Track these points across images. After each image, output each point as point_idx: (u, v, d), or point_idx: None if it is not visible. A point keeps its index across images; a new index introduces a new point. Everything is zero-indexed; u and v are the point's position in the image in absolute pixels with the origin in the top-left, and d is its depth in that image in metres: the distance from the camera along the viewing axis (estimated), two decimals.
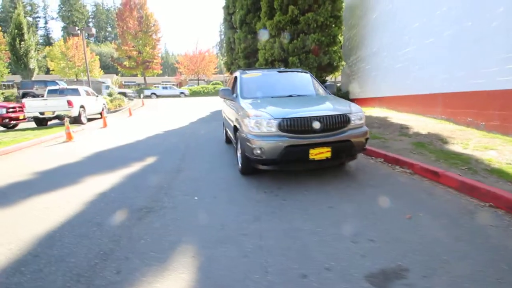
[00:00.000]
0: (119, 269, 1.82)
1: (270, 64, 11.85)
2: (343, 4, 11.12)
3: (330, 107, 3.43)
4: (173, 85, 41.16)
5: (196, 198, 3.08)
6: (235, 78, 5.12)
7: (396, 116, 7.44)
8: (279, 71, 5.00)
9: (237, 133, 3.85)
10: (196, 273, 1.75)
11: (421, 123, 6.18)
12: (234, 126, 4.01)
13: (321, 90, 4.48)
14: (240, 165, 3.86)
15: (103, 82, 26.74)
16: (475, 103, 5.21)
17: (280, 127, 3.14)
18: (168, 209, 2.79)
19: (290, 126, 3.14)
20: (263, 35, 12.17)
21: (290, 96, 4.11)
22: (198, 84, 43.44)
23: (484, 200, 2.54)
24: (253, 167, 3.61)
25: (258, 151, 3.16)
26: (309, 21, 10.65)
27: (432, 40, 6.65)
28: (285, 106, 3.51)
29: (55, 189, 3.52)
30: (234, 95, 4.34)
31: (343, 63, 11.69)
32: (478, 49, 5.09)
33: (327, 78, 12.42)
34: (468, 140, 4.62)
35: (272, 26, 11.36)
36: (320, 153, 3.15)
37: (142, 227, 2.42)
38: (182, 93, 31.92)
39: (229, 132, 5.14)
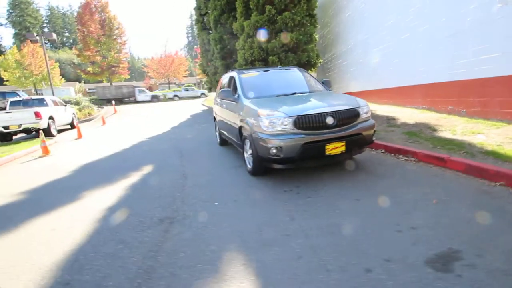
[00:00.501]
0: (170, 286, 1.69)
1: (250, 64, 11.83)
2: (317, 3, 11.43)
3: (339, 102, 3.49)
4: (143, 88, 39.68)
5: (216, 203, 2.97)
6: (231, 79, 5.04)
7: (380, 109, 7.80)
8: (276, 70, 5.00)
9: (245, 134, 3.78)
10: (256, 281, 1.68)
11: (406, 114, 6.54)
12: (240, 127, 3.94)
13: (320, 87, 4.55)
14: (249, 166, 3.80)
15: (137, 87, 27.86)
16: (454, 92, 5.63)
17: (296, 124, 3.14)
18: (192, 218, 2.65)
19: (305, 123, 3.15)
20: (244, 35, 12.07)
21: (294, 93, 4.12)
22: (169, 87, 42.20)
23: (494, 180, 2.75)
24: (265, 168, 3.58)
25: (275, 150, 3.13)
26: (287, 20, 10.80)
27: (407, 35, 7.06)
28: (295, 104, 3.51)
29: (56, 208, 3.20)
30: (236, 95, 4.25)
31: (321, 60, 12.01)
32: (454, 42, 5.50)
33: None
34: (454, 127, 4.97)
35: (250, 26, 11.35)
36: (335, 148, 3.20)
37: (173, 239, 2.27)
38: (202, 93, 33.02)
39: (226, 134, 5.03)
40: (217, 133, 6.45)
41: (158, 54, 44.63)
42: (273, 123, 3.17)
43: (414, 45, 6.77)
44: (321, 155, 3.19)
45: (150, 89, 44.31)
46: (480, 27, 4.90)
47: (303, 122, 3.15)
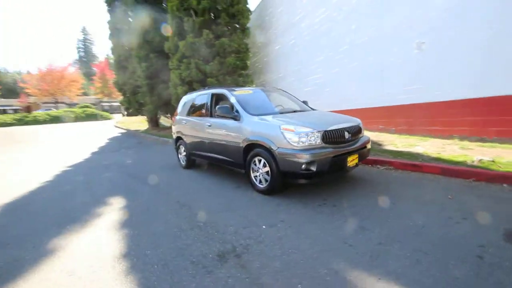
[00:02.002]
0: None
1: (187, 84, 11.41)
2: (250, 33, 12.34)
3: (346, 119, 3.85)
4: (18, 108, 31.52)
5: (264, 226, 2.68)
6: (218, 96, 4.78)
7: None
8: (262, 89, 5.05)
9: (256, 151, 3.62)
10: None
11: None
12: (249, 145, 3.74)
13: (306, 105, 4.89)
14: (261, 185, 3.64)
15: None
16: (384, 114, 7.09)
17: (324, 139, 3.27)
18: (251, 246, 2.30)
19: (331, 137, 3.32)
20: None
21: (295, 111, 4.28)
22: (57, 108, 35.05)
23: (467, 178, 3.61)
24: (284, 184, 3.51)
25: (308, 165, 3.14)
26: (225, 46, 11.14)
27: (337, 70, 8.52)
28: (313, 120, 3.64)
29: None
30: (235, 113, 4.05)
31: (254, 85, 12.79)
32: (382, 76, 7.03)
33: None
34: (393, 141, 6.20)
35: (186, 47, 11.10)
36: (353, 160, 3.49)
37: (259, 273, 1.91)
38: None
39: (213, 154, 4.63)
40: (181, 156, 5.83)
41: (38, 68, 36.78)
42: (303, 138, 3.20)
43: (345, 77, 8.21)
44: (344, 167, 3.40)
45: (29, 109, 35.78)
46: (402, 65, 6.48)
47: (329, 137, 3.31)
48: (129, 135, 15.19)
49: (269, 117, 3.81)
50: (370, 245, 2.18)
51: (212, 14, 11.35)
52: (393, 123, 6.88)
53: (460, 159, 4.35)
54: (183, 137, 5.61)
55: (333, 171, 3.35)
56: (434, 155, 4.79)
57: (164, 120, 15.71)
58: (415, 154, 5.00)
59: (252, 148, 3.76)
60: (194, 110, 5.36)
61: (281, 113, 4.13)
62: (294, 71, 11.03)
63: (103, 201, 3.86)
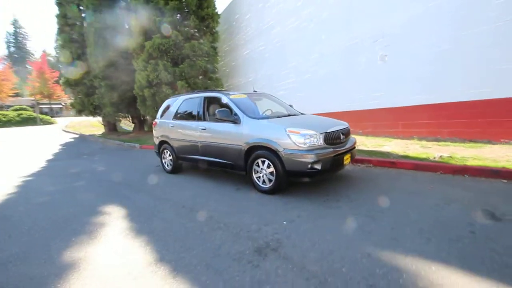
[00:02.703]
0: None
1: (155, 86, 10.96)
2: (219, 37, 12.40)
3: (338, 122, 4.24)
4: None
5: (285, 222, 2.87)
6: (211, 99, 4.82)
7: None
8: (252, 93, 5.20)
9: (259, 153, 3.79)
10: None
11: None
12: (252, 147, 3.88)
13: (294, 109, 5.20)
14: (264, 185, 3.82)
15: None
16: (352, 118, 7.79)
17: (325, 140, 3.59)
18: (282, 240, 2.46)
19: (331, 139, 3.66)
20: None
21: (289, 115, 4.55)
22: None
23: (435, 171, 4.28)
24: (287, 183, 3.74)
25: (314, 164, 3.42)
26: (195, 48, 11.03)
27: (309, 76, 9.13)
28: (311, 123, 3.94)
29: None
30: (235, 116, 4.15)
31: (224, 89, 12.84)
32: (350, 83, 7.76)
33: None
34: (363, 142, 6.90)
35: (154, 47, 10.70)
36: (347, 159, 3.88)
37: (302, 262, 2.10)
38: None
39: (206, 158, 4.64)
40: (166, 160, 5.68)
41: None
42: (308, 139, 3.47)
43: (317, 83, 8.84)
44: (341, 165, 3.78)
45: None
46: (368, 74, 7.27)
47: (329, 138, 3.65)
48: (84, 140, 13.89)
49: (268, 121, 4.03)
50: (385, 231, 2.53)
51: (179, 16, 11.16)
52: (360, 126, 7.64)
53: (424, 156, 5.09)
54: (169, 141, 5.47)
55: (333, 169, 3.69)
56: (401, 153, 5.51)
57: (125, 124, 14.70)
58: (385, 152, 5.68)
59: (254, 150, 3.92)
60: (182, 113, 5.29)
61: (278, 116, 4.36)
62: (264, 75, 11.41)
63: (96, 211, 3.62)
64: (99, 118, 15.70)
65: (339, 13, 7.89)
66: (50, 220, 3.35)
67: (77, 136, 15.26)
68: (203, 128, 4.66)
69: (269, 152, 3.71)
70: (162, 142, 5.76)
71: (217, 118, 4.25)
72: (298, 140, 3.48)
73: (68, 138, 14.58)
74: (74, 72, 14.43)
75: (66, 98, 36.50)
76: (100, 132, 15.99)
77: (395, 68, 6.63)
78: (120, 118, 14.98)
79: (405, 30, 6.28)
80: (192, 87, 11.18)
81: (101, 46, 12.63)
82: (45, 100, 33.60)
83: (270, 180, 3.78)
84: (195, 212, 3.37)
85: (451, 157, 4.75)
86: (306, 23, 8.96)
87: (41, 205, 3.96)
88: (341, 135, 3.86)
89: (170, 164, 5.61)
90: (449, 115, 5.71)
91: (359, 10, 7.32)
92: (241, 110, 4.19)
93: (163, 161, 5.80)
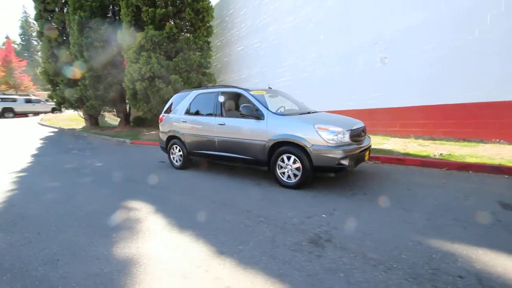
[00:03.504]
0: None
1: (147, 80, 10.59)
2: (214, 31, 12.23)
3: (354, 120, 4.43)
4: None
5: (324, 215, 2.98)
6: (229, 95, 4.81)
7: None
8: (267, 89, 5.23)
9: (284, 149, 3.87)
10: None
11: None
12: (276, 143, 3.95)
13: (307, 107, 5.34)
14: (289, 181, 3.91)
15: None
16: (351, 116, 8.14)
17: (351, 137, 3.76)
18: (331, 231, 2.58)
19: (355, 136, 3.84)
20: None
21: (309, 112, 4.67)
22: None
23: (441, 168, 4.64)
24: (312, 178, 3.87)
25: (342, 160, 3.57)
26: (190, 42, 10.81)
27: (306, 75, 9.34)
28: (335, 120, 4.09)
29: None
30: (258, 112, 4.20)
31: (216, 84, 12.70)
32: (348, 84, 8.06)
33: None
34: None
35: (147, 39, 10.33)
36: (367, 155, 4.10)
37: (361, 251, 2.23)
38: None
39: (226, 154, 4.63)
40: (175, 156, 5.58)
41: None
42: (336, 136, 3.62)
43: (314, 82, 9.06)
44: (363, 161, 3.98)
45: None
46: (367, 76, 7.60)
47: (354, 135, 3.82)
48: (66, 134, 13.07)
49: (293, 117, 4.13)
50: (422, 221, 2.74)
51: (173, 7, 10.83)
52: None
53: (424, 153, 5.47)
54: (180, 136, 5.38)
55: (357, 164, 3.88)
56: (402, 151, 5.87)
57: (110, 118, 13.99)
58: (387, 150, 6.01)
59: (278, 146, 3.99)
60: (196, 108, 5.22)
61: (300, 113, 4.47)
62: (259, 72, 11.44)
63: (121, 206, 3.51)
64: (76, 112, 14.83)
65: (337, 16, 8.14)
66: (75, 217, 3.20)
67: (56, 130, 14.31)
68: (221, 123, 4.65)
69: (296, 148, 3.81)
70: (170, 138, 5.65)
71: (242, 114, 4.26)
72: (327, 137, 3.61)
73: (46, 132, 13.62)
74: (53, 61, 13.49)
75: (34, 89, 33.92)
76: (81, 126, 15.13)
77: (393, 70, 7.00)
78: (104, 112, 14.28)
79: (405, 35, 6.66)
80: (186, 82, 10.96)
81: (84, 35, 11.92)
82: (11, 91, 30.93)
83: (295, 175, 3.88)
84: (228, 206, 3.39)
85: (450, 155, 5.16)
86: (304, 23, 9.13)
87: (55, 202, 3.75)
88: (361, 132, 4.07)
89: (180, 160, 5.52)
90: (444, 116, 6.16)
91: (358, 14, 7.61)
92: (265, 107, 4.24)
93: (172, 156, 5.69)
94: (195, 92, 5.37)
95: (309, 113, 4.67)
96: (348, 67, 8.00)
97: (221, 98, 4.83)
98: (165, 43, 10.74)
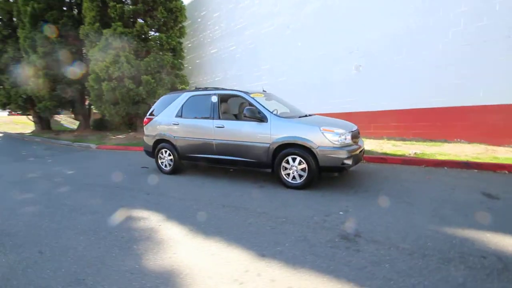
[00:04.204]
0: None
1: (115, 80, 9.85)
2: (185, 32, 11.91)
3: (349, 123, 4.70)
4: None
5: (341, 213, 3.12)
6: (226, 97, 4.75)
7: None
8: (261, 92, 5.26)
9: (288, 151, 3.96)
10: None
11: None
12: (281, 145, 4.02)
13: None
14: (299, 181, 3.98)
15: None
16: None
17: (352, 138, 3.99)
18: (354, 227, 2.72)
19: (354, 137, 4.09)
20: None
21: (306, 115, 4.81)
22: None
23: (420, 165, 5.16)
24: (318, 178, 4.01)
25: (346, 160, 3.78)
26: (162, 41, 10.39)
27: (284, 79, 9.62)
28: (334, 123, 4.29)
29: None
30: (260, 114, 4.22)
31: (187, 87, 12.35)
32: (325, 89, 8.51)
33: None
34: None
35: (115, 37, 9.65)
36: (363, 155, 4.39)
37: (392, 243, 2.40)
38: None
39: (224, 157, 4.54)
40: (165, 160, 5.31)
41: None
42: (341, 137, 3.81)
43: (292, 87, 9.36)
44: (361, 160, 4.25)
45: None
46: (343, 82, 8.11)
47: (353, 137, 4.06)
48: (14, 140, 11.47)
49: (297, 120, 4.25)
50: (427, 212, 3.03)
51: (143, 5, 10.30)
52: None
53: (400, 153, 6.03)
54: (170, 140, 5.13)
55: (356, 164, 4.13)
56: (380, 151, 6.39)
57: (66, 121, 12.62)
58: (367, 150, 6.48)
59: (282, 148, 4.07)
60: (189, 111, 5.03)
61: (300, 116, 4.60)
62: (235, 76, 11.44)
63: (124, 216, 3.24)
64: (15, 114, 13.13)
65: (315, 24, 8.57)
66: (75, 230, 2.86)
67: (0, 135, 12.46)
68: (220, 126, 4.56)
69: (301, 150, 3.92)
70: (158, 141, 5.35)
71: (245, 116, 4.22)
72: (333, 138, 3.79)
73: None
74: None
75: None
76: (30, 131, 13.41)
77: (367, 77, 7.60)
78: (60, 115, 12.88)
79: (378, 45, 7.29)
80: (158, 83, 10.47)
81: (37, 29, 10.67)
82: None
83: (300, 176, 3.99)
84: (241, 210, 3.34)
85: (423, 153, 5.77)
86: (282, 29, 9.42)
87: (38, 216, 3.31)
88: (358, 134, 4.35)
89: (169, 165, 5.27)
90: (413, 119, 6.88)
91: (334, 23, 8.12)
92: (267, 109, 4.29)
93: (160, 161, 5.39)
94: (187, 94, 5.18)
95: (306, 116, 4.83)
96: (325, 73, 8.45)
97: (218, 100, 4.74)
98: (135, 42, 10.14)
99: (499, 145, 5.60)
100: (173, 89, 11.25)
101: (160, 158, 5.38)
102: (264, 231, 2.73)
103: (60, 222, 3.10)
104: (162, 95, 10.54)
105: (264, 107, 4.32)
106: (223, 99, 4.81)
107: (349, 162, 3.81)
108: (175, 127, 5.09)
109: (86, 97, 13.09)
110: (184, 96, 5.19)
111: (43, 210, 3.53)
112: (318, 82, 8.67)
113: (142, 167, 6.07)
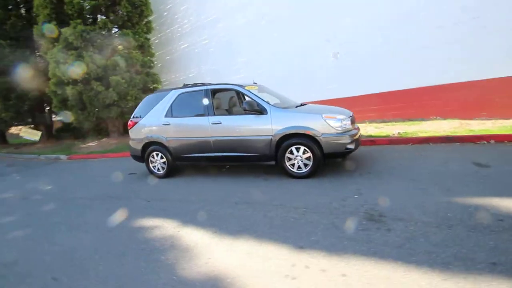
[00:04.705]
0: None
1: (81, 83, 9.06)
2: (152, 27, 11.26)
3: (345, 109, 4.79)
4: None
5: (356, 196, 3.19)
6: (219, 92, 4.59)
7: None
8: (252, 85, 5.15)
9: (294, 141, 3.95)
10: None
11: None
12: (285, 135, 3.99)
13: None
14: (305, 170, 3.99)
15: None
16: None
17: (351, 123, 4.09)
18: (375, 208, 2.81)
19: (352, 122, 4.19)
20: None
21: (301, 105, 4.81)
22: None
23: (406, 143, 5.46)
24: (322, 165, 4.07)
25: (349, 145, 3.87)
26: (129, 38, 9.71)
27: (263, 71, 9.52)
28: (332, 109, 4.35)
29: None
30: (260, 108, 4.14)
31: (159, 86, 11.76)
32: (306, 78, 8.61)
33: None
34: None
35: (76, 35, 8.82)
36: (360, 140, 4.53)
37: (417, 219, 2.52)
38: None
39: (223, 154, 4.41)
40: (157, 164, 5.04)
41: None
42: (343, 123, 3.88)
43: (272, 78, 9.31)
44: (360, 144, 4.38)
45: None
46: (323, 70, 8.27)
47: (352, 122, 4.16)
48: None
49: (297, 110, 4.25)
50: (432, 186, 3.21)
51: (104, 0, 9.51)
52: None
53: (384, 134, 6.35)
54: (162, 141, 4.86)
55: (357, 148, 4.25)
56: (364, 133, 6.67)
57: (26, 133, 11.31)
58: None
59: (285, 139, 4.05)
60: (180, 109, 4.78)
61: (296, 106, 4.60)
62: (210, 70, 11.11)
63: (136, 227, 3.03)
64: None
65: (290, 14, 8.58)
66: (86, 249, 2.60)
67: None
68: (217, 122, 4.41)
69: (305, 139, 3.93)
70: (148, 144, 5.04)
71: (245, 110, 4.11)
72: (335, 124, 3.85)
73: None
74: None
75: None
76: None
77: (346, 64, 7.83)
78: (19, 127, 11.59)
79: (354, 32, 7.51)
80: (130, 84, 9.83)
81: None
82: None
83: (305, 165, 4.01)
84: (256, 205, 3.28)
85: (405, 132, 6.12)
86: (257, 20, 9.29)
87: (31, 240, 2.97)
88: (354, 119, 4.46)
89: (163, 168, 5.00)
90: (392, 101, 7.26)
91: (310, 13, 8.19)
92: (267, 102, 4.22)
93: (152, 165, 5.09)
94: (175, 92, 4.92)
95: (301, 105, 4.85)
96: (305, 63, 8.54)
97: (211, 96, 4.57)
98: (99, 40, 9.37)
99: (471, 118, 6.12)
100: (146, 89, 10.67)
101: (152, 162, 5.09)
102: (290, 223, 2.71)
103: (62, 243, 2.80)
104: (135, 96, 10.04)
105: (262, 99, 4.25)
106: (219, 94, 4.64)
107: (352, 146, 3.90)
108: (166, 127, 4.82)
109: (45, 104, 11.95)
110: (172, 94, 4.92)
111: (35, 232, 3.17)
112: (298, 71, 8.74)
113: (130, 174, 5.70)
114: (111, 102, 9.57)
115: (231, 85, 4.59)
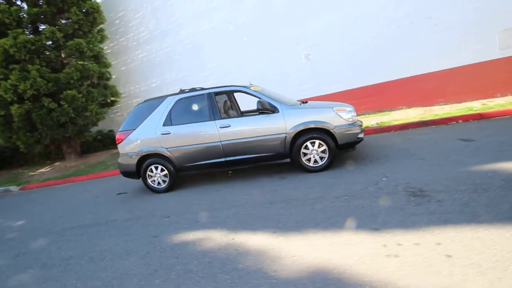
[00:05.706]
0: None
1: (29, 100, 7.82)
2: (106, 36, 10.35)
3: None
4: None
5: (384, 178, 3.40)
6: (223, 94, 4.43)
7: None
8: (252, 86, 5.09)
9: (306, 136, 4.03)
10: None
11: None
12: (299, 132, 4.05)
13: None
14: (321, 163, 4.11)
15: None
16: None
17: (356, 115, 4.36)
18: (411, 187, 3.04)
19: (357, 114, 4.47)
20: None
21: (303, 102, 4.92)
22: None
23: (389, 131, 6.02)
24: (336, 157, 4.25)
25: (359, 134, 4.13)
26: (82, 48, 8.77)
27: (235, 75, 9.51)
28: (334, 104, 4.55)
29: None
30: (271, 107, 4.14)
31: (119, 99, 10.85)
32: (282, 79, 8.85)
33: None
34: None
35: (18, 47, 7.64)
36: None
37: (454, 197, 2.81)
38: None
39: (234, 158, 4.27)
40: (157, 177, 4.63)
41: None
42: (351, 115, 4.12)
43: (245, 82, 9.36)
44: (364, 133, 4.68)
45: None
46: (296, 71, 8.62)
47: (356, 114, 4.44)
48: None
49: (308, 105, 4.38)
50: (442, 161, 3.60)
51: (49, 7, 8.42)
52: None
53: (365, 125, 6.89)
54: (163, 153, 4.49)
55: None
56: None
57: None
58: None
59: (300, 135, 4.12)
60: (181, 116, 4.48)
61: (301, 103, 4.71)
62: (176, 79, 10.66)
63: (179, 243, 2.73)
64: None
65: (258, 18, 8.77)
66: (135, 278, 2.24)
67: None
68: (225, 125, 4.26)
69: (319, 133, 4.06)
70: (144, 158, 4.59)
71: (259, 110, 4.06)
72: (346, 116, 4.07)
73: None
74: None
75: None
76: None
77: (318, 64, 8.31)
78: None
79: (323, 34, 8.04)
80: (87, 98, 8.84)
81: None
82: None
83: (321, 158, 4.13)
84: (294, 201, 3.25)
85: (383, 122, 6.76)
86: (224, 25, 9.28)
87: (50, 280, 2.44)
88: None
89: (164, 181, 4.62)
90: (363, 96, 7.94)
91: (277, 16, 8.50)
92: (277, 100, 4.25)
93: (150, 180, 4.65)
94: (173, 98, 4.61)
95: (303, 102, 4.98)
96: (277, 66, 8.81)
97: (214, 99, 4.41)
98: (46, 51, 8.24)
99: (432, 105, 7.07)
100: (105, 103, 9.71)
101: (150, 176, 4.64)
102: (344, 211, 2.76)
103: (100, 276, 2.37)
104: (95, 111, 9.00)
105: (271, 98, 4.26)
106: (223, 97, 4.50)
107: (362, 135, 4.17)
108: (166, 137, 4.47)
109: None
110: (168, 101, 4.60)
111: (47, 271, 2.61)
112: (271, 74, 8.95)
113: (119, 194, 5.11)
114: (67, 120, 8.44)
115: (237, 87, 4.51)
